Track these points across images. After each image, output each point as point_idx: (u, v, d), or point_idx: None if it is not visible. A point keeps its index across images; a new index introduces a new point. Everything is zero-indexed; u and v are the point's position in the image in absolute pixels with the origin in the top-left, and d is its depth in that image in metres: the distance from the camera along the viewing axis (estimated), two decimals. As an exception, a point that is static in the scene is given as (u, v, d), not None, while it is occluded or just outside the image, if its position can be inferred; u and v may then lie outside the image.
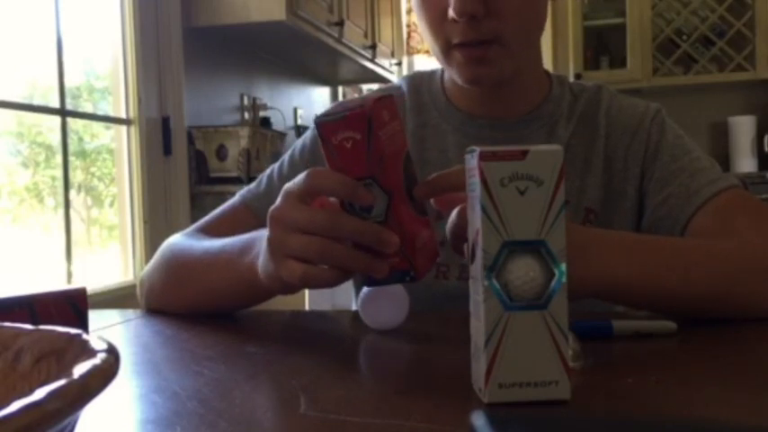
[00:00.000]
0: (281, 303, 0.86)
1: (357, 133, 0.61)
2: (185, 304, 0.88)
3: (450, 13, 0.86)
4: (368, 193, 0.62)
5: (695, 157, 0.96)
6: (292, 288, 0.69)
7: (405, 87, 1.05)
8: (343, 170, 0.62)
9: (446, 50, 0.91)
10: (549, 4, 0.97)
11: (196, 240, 0.91)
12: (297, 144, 1.05)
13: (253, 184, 1.03)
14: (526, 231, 0.49)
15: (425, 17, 0.90)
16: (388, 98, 0.64)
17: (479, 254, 0.49)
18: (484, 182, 0.49)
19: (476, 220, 0.50)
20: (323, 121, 0.61)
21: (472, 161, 0.51)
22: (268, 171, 1.04)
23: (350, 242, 0.63)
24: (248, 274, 0.74)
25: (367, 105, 0.60)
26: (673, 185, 0.94)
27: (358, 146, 0.61)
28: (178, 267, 0.89)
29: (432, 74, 1.05)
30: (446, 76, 1.03)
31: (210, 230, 0.97)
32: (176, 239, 0.94)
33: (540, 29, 0.96)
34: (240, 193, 1.03)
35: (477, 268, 0.50)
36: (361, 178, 0.62)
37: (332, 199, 0.64)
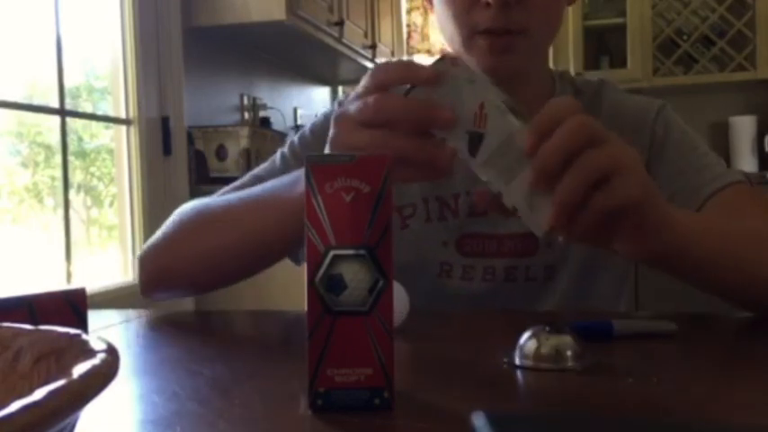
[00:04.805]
0: (281, 304, 0.85)
1: (366, 185, 0.49)
2: (200, 253, 0.85)
3: None
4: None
5: (702, 153, 0.96)
6: None
7: None
8: (324, 230, 0.49)
9: (469, 38, 0.90)
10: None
11: (221, 197, 0.90)
12: (307, 125, 1.05)
13: (265, 164, 1.01)
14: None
15: (454, 4, 0.90)
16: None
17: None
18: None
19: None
20: (315, 162, 0.49)
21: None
22: (278, 155, 1.02)
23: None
24: (301, 204, 0.70)
25: (385, 154, 0.49)
26: (679, 182, 0.93)
27: (362, 201, 0.48)
28: (205, 215, 0.87)
29: None
30: None
31: None
32: (193, 203, 0.91)
33: (558, 29, 0.96)
34: (252, 174, 0.99)
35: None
36: (345, 246, 0.48)
37: None
